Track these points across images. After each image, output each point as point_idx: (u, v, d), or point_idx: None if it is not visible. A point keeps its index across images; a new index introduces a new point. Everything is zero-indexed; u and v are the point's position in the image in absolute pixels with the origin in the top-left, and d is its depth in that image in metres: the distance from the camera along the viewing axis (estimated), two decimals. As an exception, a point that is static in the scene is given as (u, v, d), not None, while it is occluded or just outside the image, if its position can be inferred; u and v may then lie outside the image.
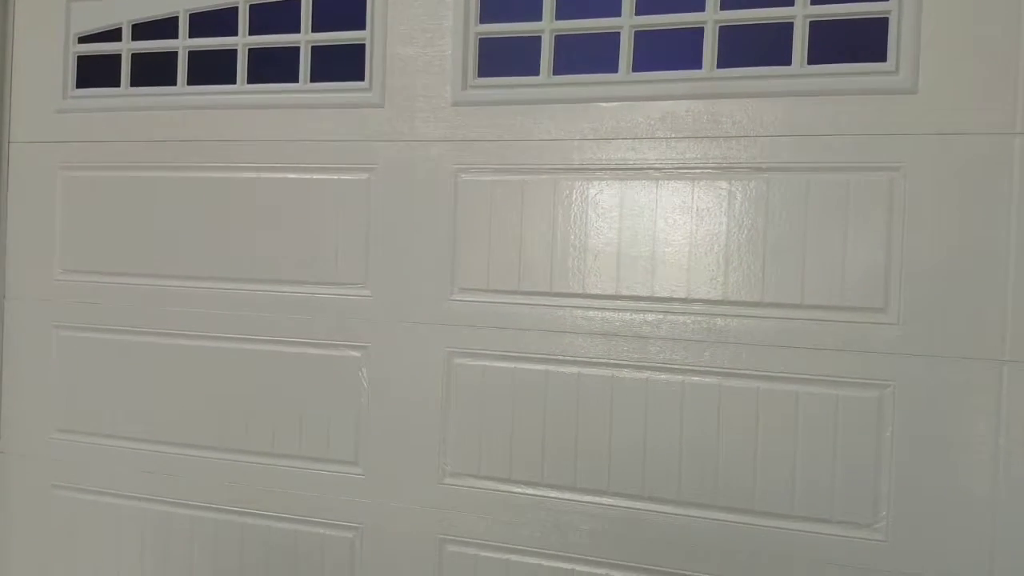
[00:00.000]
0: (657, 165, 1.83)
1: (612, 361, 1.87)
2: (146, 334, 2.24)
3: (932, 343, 1.66)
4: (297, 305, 2.10)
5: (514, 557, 1.93)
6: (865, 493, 1.68)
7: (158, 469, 2.22)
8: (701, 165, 1.80)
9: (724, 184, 1.79)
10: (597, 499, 1.88)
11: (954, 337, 1.65)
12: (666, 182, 1.83)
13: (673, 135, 1.81)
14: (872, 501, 1.68)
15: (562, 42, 1.91)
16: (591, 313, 1.88)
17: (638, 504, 1.85)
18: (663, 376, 1.83)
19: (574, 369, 1.90)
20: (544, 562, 1.90)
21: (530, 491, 1.93)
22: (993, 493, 1.61)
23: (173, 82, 2.20)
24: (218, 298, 2.17)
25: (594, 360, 1.88)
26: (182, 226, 2.21)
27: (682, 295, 1.82)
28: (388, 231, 2.02)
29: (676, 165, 1.82)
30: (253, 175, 2.13)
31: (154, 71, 2.23)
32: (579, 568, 1.88)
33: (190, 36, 2.19)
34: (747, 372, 1.77)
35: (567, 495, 1.90)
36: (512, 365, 1.95)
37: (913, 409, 1.66)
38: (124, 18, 2.25)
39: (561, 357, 1.91)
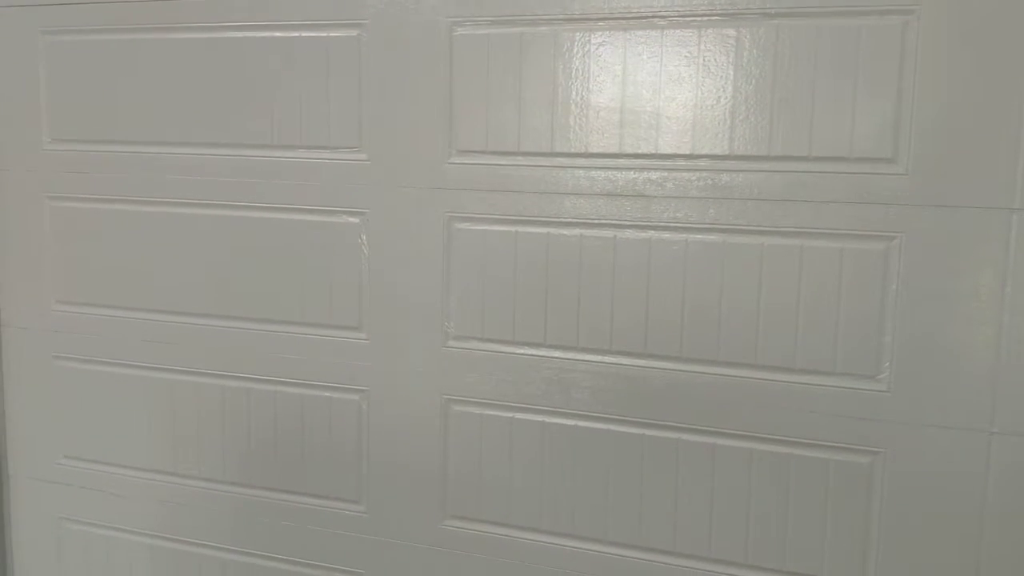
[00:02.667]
0: (662, 13, 1.75)
1: (615, 222, 1.84)
2: (142, 203, 2.20)
3: (941, 193, 1.63)
4: (293, 171, 2.06)
5: (518, 415, 1.96)
6: (868, 345, 1.69)
7: (159, 338, 2.23)
8: (708, 12, 1.72)
9: (731, 32, 1.72)
10: (599, 358, 1.89)
11: (963, 187, 1.62)
12: (671, 31, 1.75)
13: (679, -20, 1.73)
14: (875, 353, 1.69)
15: None
16: (594, 173, 1.84)
17: (640, 362, 1.86)
18: (666, 235, 1.81)
19: (576, 231, 1.88)
20: (548, 419, 1.94)
21: (533, 352, 1.94)
22: (997, 343, 1.62)
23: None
24: (214, 165, 2.12)
25: (596, 221, 1.85)
26: (168, 99, 2.14)
27: (687, 151, 1.77)
28: (381, 91, 1.96)
29: (682, 13, 1.74)
30: (239, 34, 2.05)
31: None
32: (581, 424, 1.91)
33: None
34: (752, 228, 1.75)
35: (570, 355, 1.91)
36: (513, 229, 1.92)
37: (919, 260, 1.65)
38: None
39: (563, 219, 1.88)
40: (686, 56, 1.75)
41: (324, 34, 1.98)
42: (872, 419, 1.70)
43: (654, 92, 1.78)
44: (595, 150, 1.83)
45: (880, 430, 1.70)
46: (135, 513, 2.31)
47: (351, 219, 2.03)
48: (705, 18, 1.73)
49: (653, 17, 1.76)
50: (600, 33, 1.79)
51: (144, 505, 2.30)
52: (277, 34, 2.02)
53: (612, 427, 1.89)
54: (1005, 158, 1.59)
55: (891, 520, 1.71)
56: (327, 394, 2.11)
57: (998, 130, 1.59)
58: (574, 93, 1.83)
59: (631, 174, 1.81)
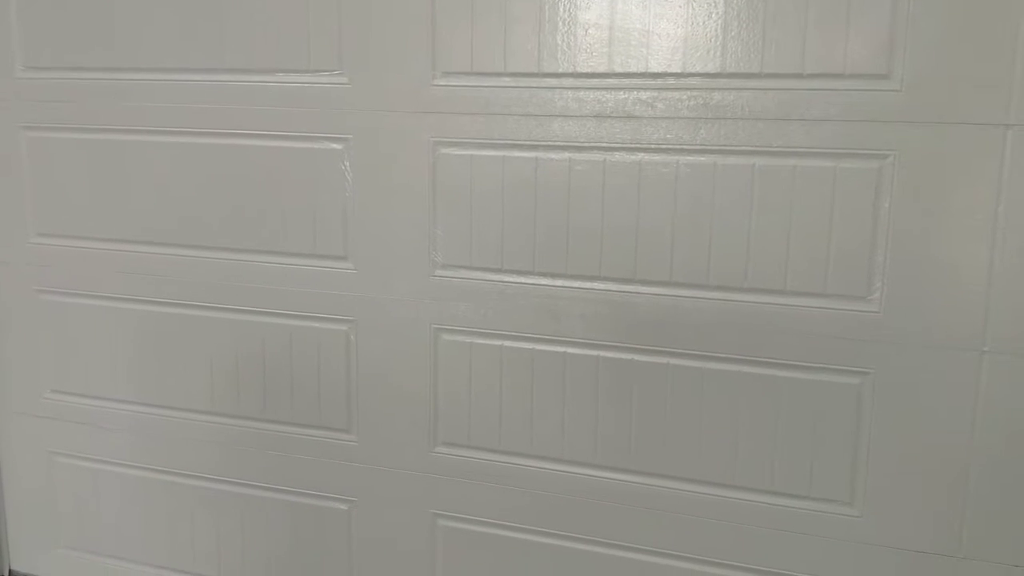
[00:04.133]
0: (652, -76, 1.69)
1: (604, 144, 1.80)
2: (119, 132, 2.14)
3: (935, 110, 1.59)
4: (272, 96, 2.00)
5: (508, 343, 1.94)
6: (860, 266, 1.68)
7: (142, 270, 2.20)
8: (700, -77, 1.66)
9: (724, -57, 1.66)
10: (589, 284, 1.87)
11: (958, 103, 1.58)
12: (662, -57, 1.69)
13: None
14: (867, 273, 1.67)
15: None
16: (582, 94, 1.79)
17: (629, 287, 1.84)
18: (657, 157, 1.77)
19: (565, 155, 1.84)
20: (537, 346, 1.92)
21: (522, 279, 1.92)
22: (990, 261, 1.61)
23: None
24: (191, 91, 2.06)
25: (585, 144, 1.81)
26: (143, 25, 2.07)
27: (677, 70, 1.73)
28: (362, 8, 1.89)
29: (673, -77, 1.68)
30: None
31: None
32: (571, 351, 1.90)
33: None
34: (744, 148, 1.71)
35: (559, 282, 1.89)
36: (500, 153, 1.88)
37: (913, 178, 1.62)
38: None
39: (551, 143, 1.84)
40: (677, -31, 1.69)
41: (301, -49, 1.92)
42: (863, 340, 1.70)
43: (644, 8, 1.72)
44: (584, 70, 1.79)
45: (871, 351, 1.69)
46: (124, 446, 2.31)
47: (334, 145, 1.99)
48: (697, -71, 1.67)
49: (643, -72, 1.69)
50: (588, -54, 1.73)
51: (133, 438, 2.30)
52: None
53: (602, 353, 1.88)
54: (1000, 73, 1.55)
55: (880, 441, 1.71)
56: (315, 325, 2.09)
57: (993, 45, 1.55)
58: (561, 10, 1.77)
59: (620, 94, 1.77)
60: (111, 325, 2.26)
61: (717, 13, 1.68)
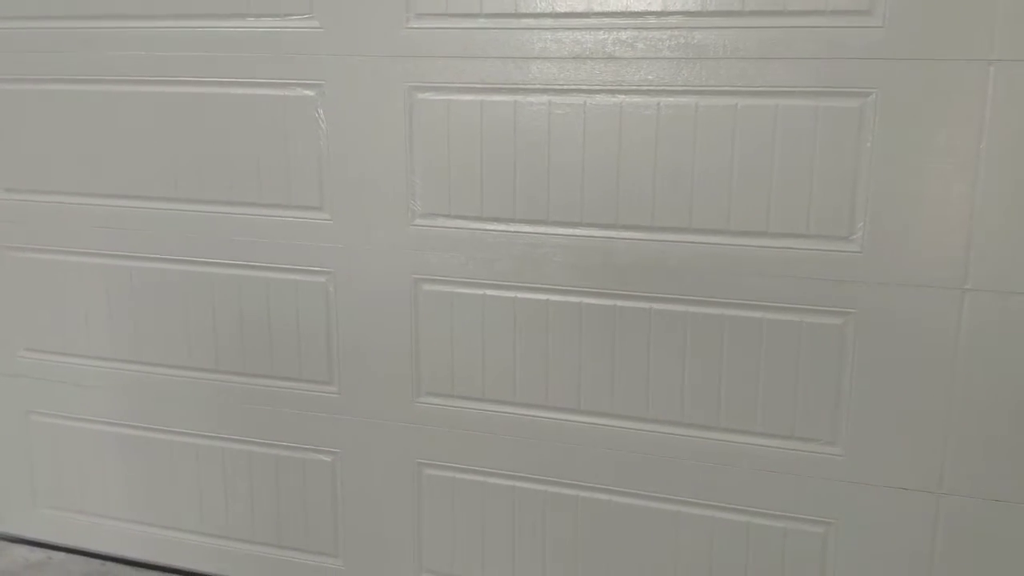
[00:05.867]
0: None
1: (584, 87, 1.77)
2: (84, 82, 2.09)
3: (917, 46, 1.57)
4: (239, 42, 1.94)
5: (490, 292, 1.93)
6: (842, 205, 1.66)
7: (112, 224, 2.15)
8: None
9: None
10: (571, 231, 1.85)
11: (940, 38, 1.56)
12: None
13: None
14: (849, 213, 1.66)
15: None
16: (561, 35, 1.76)
17: (611, 233, 1.82)
18: (638, 99, 1.75)
19: (544, 98, 1.80)
20: (520, 295, 1.91)
21: (503, 227, 1.89)
22: (971, 200, 1.60)
23: None
24: (156, 39, 2.00)
25: (565, 87, 1.78)
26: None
27: (658, 8, 1.69)
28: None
29: None
30: None
31: None
32: (553, 298, 1.89)
33: None
34: (726, 89, 1.69)
35: (540, 229, 1.87)
36: (478, 98, 1.84)
37: (895, 116, 1.61)
38: None
39: (530, 86, 1.80)
40: (656, -97, 1.65)
41: None
42: (844, 280, 1.69)
43: (623, -56, 1.68)
44: (562, 9, 1.74)
45: (853, 291, 1.69)
46: (102, 403, 2.28)
47: (306, 92, 1.94)
48: None
49: None
50: None
51: (111, 395, 2.27)
52: None
53: (584, 300, 1.87)
54: (983, 8, 1.53)
55: (862, 380, 1.72)
56: (292, 277, 2.06)
57: (976, -22, 1.53)
58: (538, -52, 1.73)
59: (600, 34, 1.73)
60: (83, 281, 2.22)
61: (698, -52, 1.64)
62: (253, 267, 2.07)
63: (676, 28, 1.68)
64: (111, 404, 2.27)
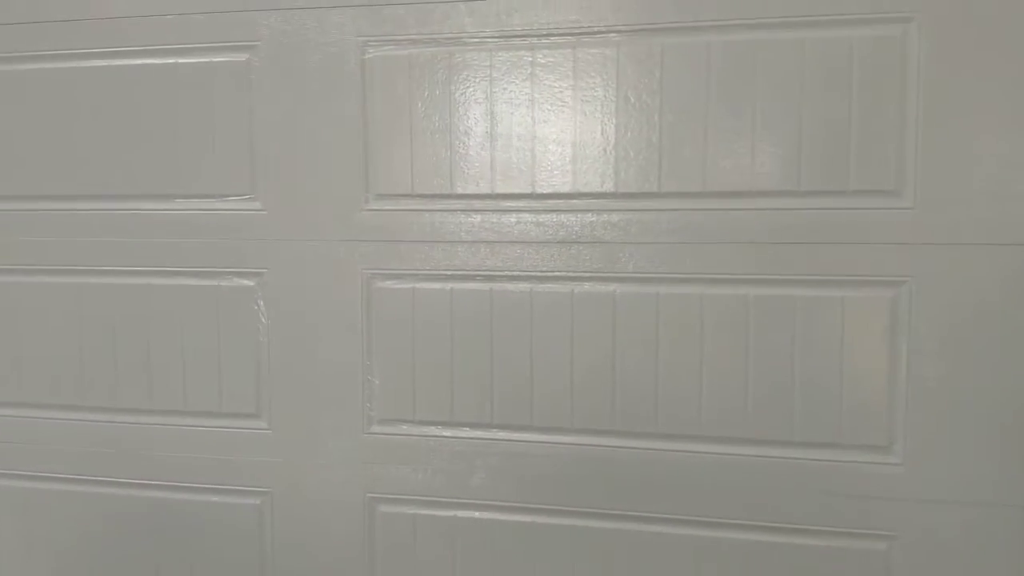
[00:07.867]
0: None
1: (572, 274, 1.54)
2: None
3: None
4: (170, 225, 1.67)
5: (461, 513, 1.61)
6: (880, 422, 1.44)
7: (13, 437, 1.78)
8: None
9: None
10: (558, 438, 1.58)
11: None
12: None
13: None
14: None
15: None
16: (543, 217, 1.54)
17: (608, 440, 1.55)
18: (633, 288, 1.53)
19: (525, 286, 1.57)
20: (498, 516, 1.60)
21: (478, 434, 1.60)
22: None
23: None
24: (68, 223, 1.71)
25: (550, 274, 1.55)
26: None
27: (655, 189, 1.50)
28: (278, 127, 1.61)
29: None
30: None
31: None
32: (540, 520, 1.59)
33: None
34: (730, 277, 1.49)
35: (522, 435, 1.59)
36: (447, 286, 1.60)
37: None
38: None
39: (508, 272, 1.57)
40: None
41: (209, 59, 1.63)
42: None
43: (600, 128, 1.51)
44: (544, 190, 1.54)
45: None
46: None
47: (244, 282, 1.66)
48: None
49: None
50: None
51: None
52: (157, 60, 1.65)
53: (578, 522, 1.58)
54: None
55: None
56: (218, 499, 1.70)
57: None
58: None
59: (588, 216, 1.52)
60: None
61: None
62: (172, 487, 1.72)
63: (673, 210, 1.49)
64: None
